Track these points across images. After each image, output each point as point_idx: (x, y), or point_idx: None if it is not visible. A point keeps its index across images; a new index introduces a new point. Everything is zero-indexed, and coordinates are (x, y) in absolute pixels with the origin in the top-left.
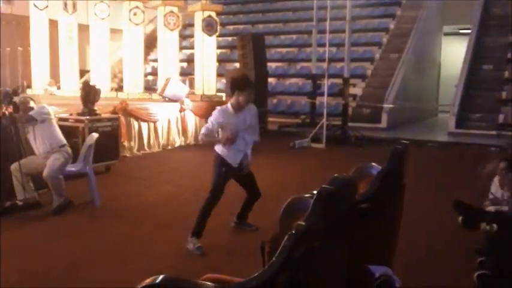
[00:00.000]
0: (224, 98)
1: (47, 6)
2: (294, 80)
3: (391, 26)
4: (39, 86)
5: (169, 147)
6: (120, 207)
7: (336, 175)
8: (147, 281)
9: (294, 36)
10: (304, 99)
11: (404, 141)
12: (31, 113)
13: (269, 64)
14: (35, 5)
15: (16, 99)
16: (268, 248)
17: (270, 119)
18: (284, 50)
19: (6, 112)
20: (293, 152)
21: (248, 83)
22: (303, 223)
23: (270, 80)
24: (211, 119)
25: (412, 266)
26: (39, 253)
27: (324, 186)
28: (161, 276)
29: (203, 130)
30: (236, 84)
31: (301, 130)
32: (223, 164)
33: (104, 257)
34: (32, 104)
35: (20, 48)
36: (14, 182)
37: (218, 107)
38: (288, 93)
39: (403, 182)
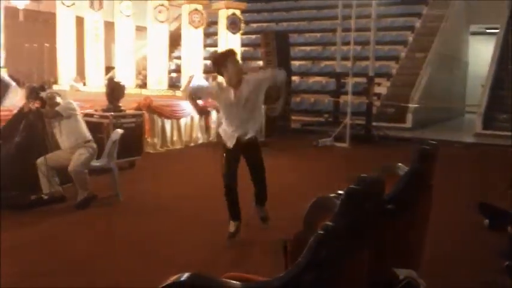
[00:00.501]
0: None
1: (74, 4)
2: (317, 79)
3: (417, 25)
4: (65, 82)
5: (192, 144)
6: (143, 202)
7: (363, 175)
8: (173, 278)
9: (318, 35)
10: (327, 98)
11: (433, 142)
12: (57, 108)
13: (293, 62)
14: (62, 3)
15: (43, 94)
16: (291, 247)
17: (293, 118)
18: (308, 48)
19: (33, 107)
20: (316, 151)
21: (227, 54)
22: (330, 223)
23: (294, 78)
24: (206, 84)
25: (436, 269)
26: (62, 245)
27: (351, 186)
28: (187, 274)
29: (192, 88)
30: (217, 63)
31: (324, 129)
32: (224, 148)
33: (125, 251)
34: (58, 99)
35: (46, 45)
36: (40, 176)
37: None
38: (311, 92)
39: (430, 183)
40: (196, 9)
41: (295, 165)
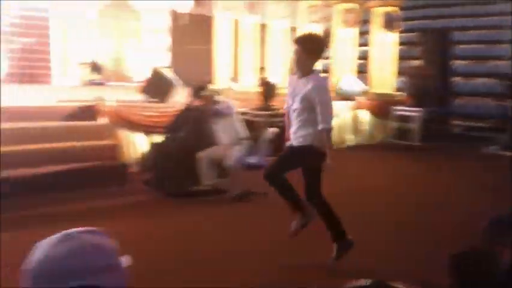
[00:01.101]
0: (396, 97)
1: (231, 7)
2: (482, 80)
3: None
4: (221, 82)
5: (341, 145)
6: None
7: None
8: (356, 283)
9: (483, 32)
10: (493, 101)
11: None
12: (218, 107)
13: (454, 62)
14: (221, 6)
15: (204, 93)
16: (458, 262)
17: (454, 122)
18: (472, 46)
19: (196, 105)
20: (480, 159)
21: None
22: None
23: (455, 79)
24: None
25: None
26: (210, 236)
27: None
28: (370, 281)
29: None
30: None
31: (490, 135)
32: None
33: (276, 248)
34: (217, 98)
35: (206, 46)
36: (200, 169)
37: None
38: (475, 94)
39: None
40: (349, 8)
41: (454, 173)
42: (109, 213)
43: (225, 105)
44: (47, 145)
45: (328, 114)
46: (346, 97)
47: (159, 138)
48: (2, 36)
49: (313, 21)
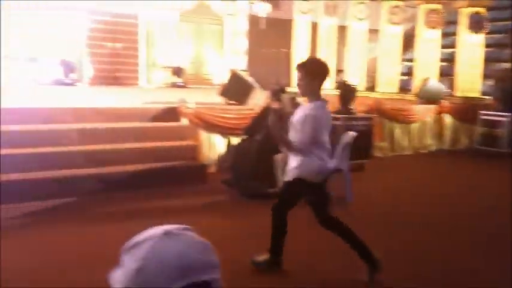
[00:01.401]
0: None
1: (310, 10)
2: None
3: None
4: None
5: (423, 151)
6: (369, 206)
7: None
8: None
9: None
10: None
11: None
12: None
13: None
14: (299, 9)
15: (284, 96)
16: None
17: None
18: None
19: (275, 107)
20: None
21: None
22: None
23: None
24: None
25: None
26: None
27: None
28: None
29: None
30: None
31: None
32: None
33: (341, 253)
34: (299, 100)
35: (283, 50)
36: (277, 171)
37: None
38: None
39: None
40: (434, 9)
41: None
42: (188, 211)
43: None
44: (135, 144)
45: (302, 143)
46: (428, 100)
47: (236, 140)
48: (92, 41)
49: (394, 23)
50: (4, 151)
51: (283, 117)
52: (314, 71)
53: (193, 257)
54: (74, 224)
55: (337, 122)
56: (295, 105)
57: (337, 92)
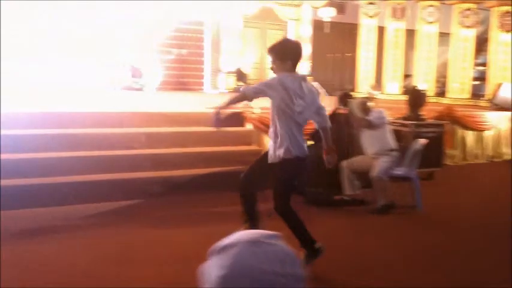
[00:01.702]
0: None
1: (378, 13)
2: None
3: None
4: (363, 89)
5: (497, 160)
6: (440, 216)
7: None
8: None
9: None
10: None
11: None
12: (371, 118)
13: None
14: (366, 13)
15: (353, 102)
16: None
17: None
18: None
19: (342, 113)
20: None
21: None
22: None
23: None
24: None
25: None
26: (350, 247)
27: None
28: None
29: None
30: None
31: None
32: None
33: (410, 263)
34: (370, 104)
35: (348, 54)
36: (343, 178)
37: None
38: None
39: None
40: (508, 12)
41: None
42: None
43: (379, 115)
44: (200, 148)
45: None
46: (503, 107)
47: None
48: (160, 48)
49: (466, 26)
50: (77, 153)
51: (350, 122)
52: (284, 52)
53: (277, 269)
54: (139, 225)
55: (406, 129)
56: (367, 110)
57: (405, 98)
